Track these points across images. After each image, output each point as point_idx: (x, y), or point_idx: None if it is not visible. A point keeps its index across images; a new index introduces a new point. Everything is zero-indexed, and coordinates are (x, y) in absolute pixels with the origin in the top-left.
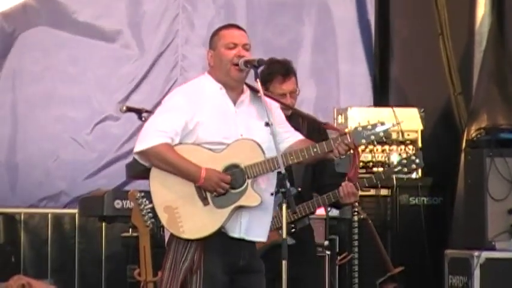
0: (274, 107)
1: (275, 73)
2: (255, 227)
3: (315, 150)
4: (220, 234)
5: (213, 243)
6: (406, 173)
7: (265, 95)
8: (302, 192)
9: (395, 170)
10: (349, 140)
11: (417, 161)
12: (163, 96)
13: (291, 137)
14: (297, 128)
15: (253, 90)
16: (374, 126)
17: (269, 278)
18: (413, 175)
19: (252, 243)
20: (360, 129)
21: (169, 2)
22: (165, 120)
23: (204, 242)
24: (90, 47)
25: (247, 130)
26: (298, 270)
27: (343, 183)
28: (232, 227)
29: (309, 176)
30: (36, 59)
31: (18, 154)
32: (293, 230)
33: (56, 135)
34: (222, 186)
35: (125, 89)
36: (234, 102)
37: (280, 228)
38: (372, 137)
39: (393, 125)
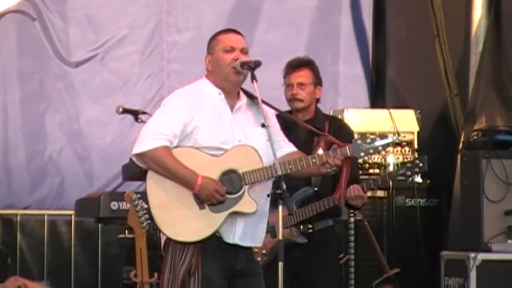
0: (270, 114)
1: (287, 67)
2: (249, 233)
3: (313, 160)
4: (216, 239)
5: (210, 247)
6: (409, 176)
7: (263, 102)
8: (320, 193)
9: (400, 172)
10: (349, 153)
11: (421, 164)
12: (150, 101)
13: (284, 147)
14: (318, 129)
15: (250, 96)
16: (373, 139)
17: (284, 279)
18: (417, 179)
19: (249, 247)
20: (359, 142)
21: (154, 7)
22: (164, 123)
23: (201, 245)
24: (78, 51)
25: (245, 137)
26: (311, 273)
27: (350, 186)
28: (227, 232)
29: (330, 177)
30: (27, 60)
31: (12, 156)
32: (310, 230)
33: (50, 136)
34: (216, 198)
35: (111, 93)
36: (231, 109)
37: (293, 225)
38: (371, 151)
39: (393, 140)
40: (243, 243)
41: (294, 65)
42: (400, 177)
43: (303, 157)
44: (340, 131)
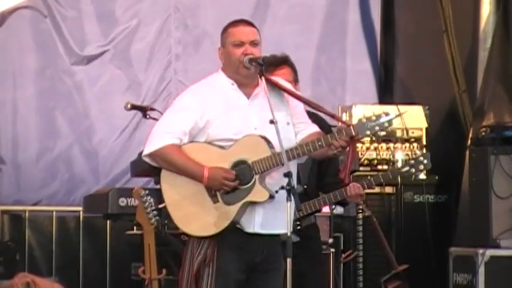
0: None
1: (268, 66)
2: (271, 220)
3: (319, 143)
4: (236, 231)
5: (228, 239)
6: (412, 174)
7: (282, 88)
8: (307, 190)
9: (403, 170)
10: (354, 133)
11: (425, 161)
12: (158, 97)
13: (305, 129)
14: None
15: (270, 82)
16: (378, 117)
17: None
18: (421, 176)
19: (272, 238)
20: (364, 120)
21: (161, 3)
22: (172, 121)
23: (218, 238)
24: (87, 47)
25: (262, 123)
26: (300, 267)
27: (350, 184)
28: (247, 222)
29: (314, 175)
30: (37, 56)
31: (21, 152)
32: (298, 227)
33: (59, 133)
34: (227, 184)
35: (120, 89)
36: (248, 96)
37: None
38: (377, 128)
39: (397, 115)
40: (265, 231)
41: (274, 63)
42: (404, 175)
43: (310, 141)
44: (320, 126)
